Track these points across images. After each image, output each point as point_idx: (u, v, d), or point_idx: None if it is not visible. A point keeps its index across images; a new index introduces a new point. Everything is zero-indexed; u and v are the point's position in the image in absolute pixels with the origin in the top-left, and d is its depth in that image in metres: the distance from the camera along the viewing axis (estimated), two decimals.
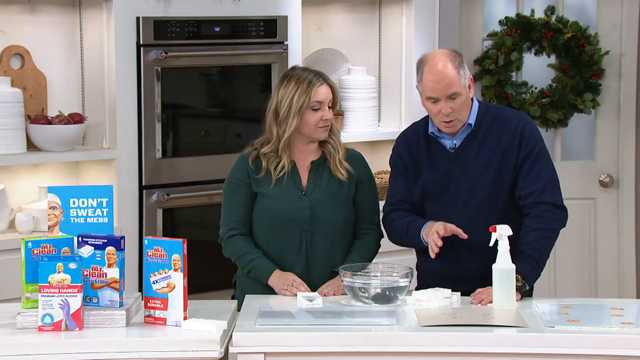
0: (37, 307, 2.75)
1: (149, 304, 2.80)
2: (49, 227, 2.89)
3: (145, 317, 2.82)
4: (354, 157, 3.21)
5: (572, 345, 2.70)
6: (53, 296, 2.72)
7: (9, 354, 2.64)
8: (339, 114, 4.43)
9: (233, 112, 4.18)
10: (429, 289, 3.01)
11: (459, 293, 3.03)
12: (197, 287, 3.56)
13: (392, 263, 3.19)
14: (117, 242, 2.80)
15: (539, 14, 4.86)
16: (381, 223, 3.25)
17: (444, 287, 2.99)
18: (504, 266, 2.93)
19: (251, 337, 2.72)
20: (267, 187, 3.14)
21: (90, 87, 4.01)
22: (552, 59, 4.88)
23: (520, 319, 2.83)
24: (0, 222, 3.79)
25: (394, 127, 4.60)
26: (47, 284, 2.72)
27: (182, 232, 4.04)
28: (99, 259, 2.80)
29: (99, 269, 2.80)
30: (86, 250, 2.80)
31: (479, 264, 3.02)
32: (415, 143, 3.16)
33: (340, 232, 3.18)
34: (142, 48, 3.92)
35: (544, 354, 2.71)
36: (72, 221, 2.88)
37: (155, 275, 2.79)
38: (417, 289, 3.07)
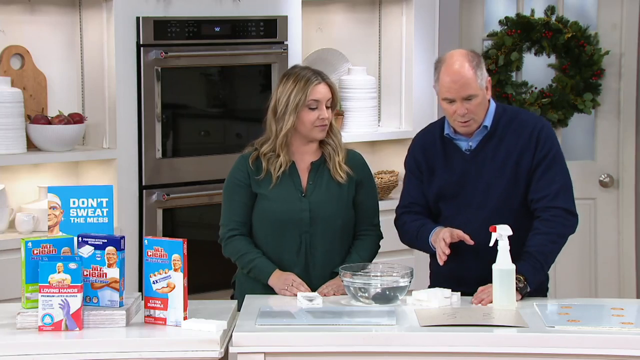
0: (37, 307, 2.75)
1: (149, 304, 2.80)
2: (49, 227, 2.89)
3: (145, 317, 2.82)
4: (354, 159, 3.21)
5: (572, 345, 2.70)
6: (53, 296, 2.72)
7: (9, 354, 2.64)
8: (339, 114, 4.43)
9: (233, 112, 4.18)
10: (429, 289, 3.01)
11: (459, 293, 3.03)
12: (197, 287, 3.56)
13: (392, 263, 3.19)
14: (117, 242, 2.80)
15: (539, 14, 4.86)
16: (381, 225, 3.27)
17: (458, 290, 2.98)
18: (504, 266, 2.93)
19: (251, 337, 2.72)
20: (266, 188, 3.14)
21: (90, 87, 4.01)
22: (552, 59, 4.88)
23: (520, 319, 2.83)
24: (0, 222, 3.78)
25: (394, 127, 4.60)
26: (47, 284, 2.72)
27: (182, 232, 4.04)
28: (99, 259, 2.80)
29: (99, 269, 2.80)
30: (86, 250, 2.80)
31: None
32: (431, 144, 3.15)
33: (340, 233, 3.18)
34: (142, 48, 3.92)
35: (544, 354, 2.71)
36: (72, 221, 2.88)
37: (155, 275, 2.79)
38: None
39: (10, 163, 3.83)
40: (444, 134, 3.12)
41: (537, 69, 4.89)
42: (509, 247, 2.93)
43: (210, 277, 3.80)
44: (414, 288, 3.07)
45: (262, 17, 4.14)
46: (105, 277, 2.80)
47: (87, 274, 2.80)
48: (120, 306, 2.79)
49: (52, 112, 3.95)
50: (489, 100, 3.10)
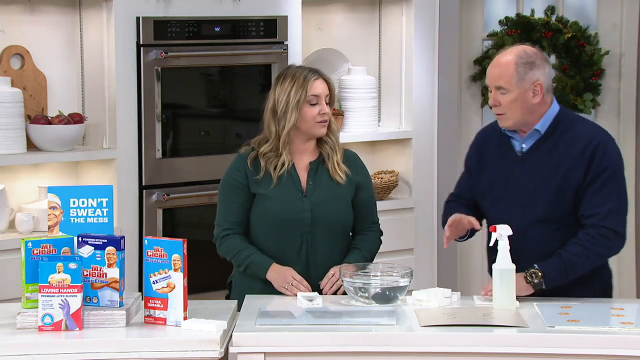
0: (37, 307, 2.75)
1: (149, 304, 2.80)
2: (49, 227, 2.89)
3: (145, 317, 2.82)
4: (352, 159, 3.22)
5: (572, 345, 2.70)
6: (53, 296, 2.72)
7: (9, 354, 2.64)
8: (339, 114, 4.43)
9: (233, 112, 4.17)
10: (429, 289, 3.01)
11: (459, 292, 3.04)
12: (197, 287, 3.56)
13: (392, 263, 3.20)
14: (117, 242, 2.80)
15: (539, 14, 4.86)
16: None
17: None
18: (504, 266, 2.93)
19: (251, 337, 2.72)
20: (267, 188, 3.14)
21: (90, 87, 4.01)
22: (552, 59, 4.88)
23: (520, 319, 2.83)
24: (0, 222, 3.78)
25: (394, 127, 4.60)
26: (47, 284, 2.72)
27: (182, 232, 4.04)
28: (99, 259, 2.80)
29: (99, 269, 2.80)
30: (86, 250, 2.80)
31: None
32: (490, 140, 3.14)
33: (341, 233, 3.18)
34: (142, 48, 3.92)
35: (544, 354, 2.71)
36: (72, 221, 2.88)
37: (155, 275, 2.79)
38: None
39: (10, 163, 3.83)
40: (502, 130, 3.09)
41: None
42: (508, 247, 2.93)
43: (210, 277, 3.80)
44: (414, 288, 3.07)
45: (262, 17, 4.14)
46: (105, 277, 2.80)
47: (87, 274, 2.80)
48: (120, 306, 2.79)
49: (52, 112, 3.95)
50: (544, 104, 3.00)
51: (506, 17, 4.85)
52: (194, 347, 2.68)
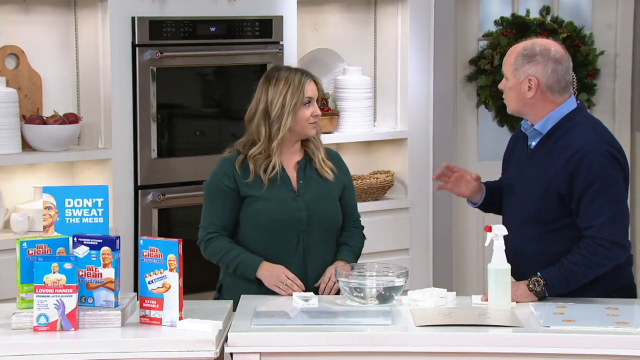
0: (32, 308, 2.74)
1: (144, 304, 2.80)
2: (44, 227, 2.89)
3: (140, 317, 2.81)
4: (335, 158, 3.26)
5: (568, 345, 2.70)
6: (48, 296, 2.72)
7: (4, 355, 2.64)
8: (334, 114, 4.43)
9: (228, 112, 4.17)
10: (424, 289, 3.02)
11: (454, 292, 3.04)
12: (192, 287, 3.56)
13: (388, 263, 3.21)
14: (112, 242, 2.79)
15: (534, 14, 4.86)
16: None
17: None
18: (499, 266, 2.93)
19: (247, 337, 2.72)
20: (259, 190, 3.13)
21: (86, 87, 4.00)
22: None
23: (516, 319, 2.83)
24: None
25: (389, 127, 4.60)
26: (42, 284, 2.72)
27: (177, 232, 4.04)
28: (94, 259, 2.80)
29: (94, 269, 2.80)
30: (81, 251, 2.80)
31: (520, 271, 2.99)
32: (517, 135, 3.17)
33: (334, 230, 3.20)
34: (137, 48, 3.92)
35: (539, 354, 2.71)
36: (67, 221, 2.87)
37: (150, 276, 2.79)
38: None
39: (5, 163, 3.82)
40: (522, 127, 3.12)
41: None
42: (504, 247, 2.94)
43: (206, 277, 3.79)
44: (409, 288, 3.08)
45: (257, 17, 4.14)
46: (101, 277, 2.80)
47: (82, 274, 2.79)
48: (115, 306, 2.79)
49: (47, 112, 3.94)
50: (533, 99, 2.99)
51: (501, 17, 4.85)
52: (190, 347, 2.68)
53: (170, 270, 2.77)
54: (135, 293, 2.95)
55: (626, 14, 4.89)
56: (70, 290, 2.72)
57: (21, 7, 3.92)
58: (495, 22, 4.85)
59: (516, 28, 4.80)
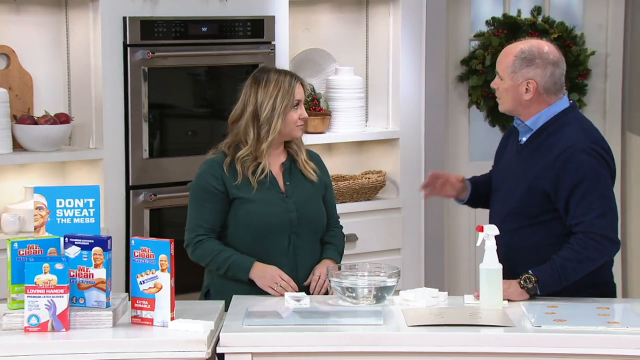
0: (23, 308, 2.73)
1: (136, 305, 2.79)
2: (35, 228, 2.88)
3: (132, 317, 2.81)
4: (317, 159, 3.28)
5: (559, 345, 2.71)
6: (39, 297, 2.71)
7: None
8: (326, 114, 4.43)
9: (220, 112, 4.17)
10: (416, 289, 3.02)
11: (446, 292, 3.04)
12: (184, 287, 3.55)
13: (380, 263, 3.22)
14: (103, 243, 2.79)
15: (526, 15, 4.87)
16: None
17: None
18: (491, 266, 2.94)
19: (238, 337, 2.72)
20: (248, 192, 3.13)
21: (77, 87, 3.99)
22: None
23: (507, 319, 2.83)
24: None
25: (381, 127, 4.61)
26: (34, 285, 2.71)
27: (169, 233, 4.03)
28: (85, 259, 2.79)
29: (85, 270, 2.79)
30: (72, 251, 2.79)
31: (502, 263, 2.99)
32: (511, 132, 3.22)
33: (320, 231, 3.22)
34: (128, 48, 3.91)
35: (530, 354, 2.71)
36: (58, 222, 2.86)
37: (142, 276, 2.78)
38: None
39: None
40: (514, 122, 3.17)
41: None
42: (495, 247, 2.94)
43: (198, 277, 3.79)
44: (401, 288, 3.08)
45: (249, 17, 4.14)
46: (92, 277, 2.79)
47: (73, 275, 2.79)
48: (107, 307, 2.78)
49: (38, 112, 3.93)
50: (529, 100, 3.03)
51: (493, 18, 4.86)
52: (181, 348, 2.68)
53: (162, 270, 2.76)
54: (127, 293, 2.94)
55: (617, 14, 4.90)
56: (62, 291, 2.72)
57: (12, 6, 3.91)
58: (487, 23, 4.86)
59: (507, 28, 4.81)
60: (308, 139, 4.11)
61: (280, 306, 2.97)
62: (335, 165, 4.56)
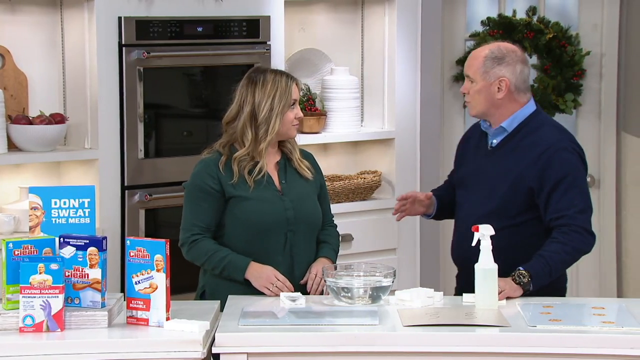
0: (18, 309, 2.73)
1: (131, 305, 2.79)
2: (30, 228, 2.88)
3: (127, 317, 2.81)
4: (311, 159, 3.29)
5: (554, 345, 2.71)
6: (34, 297, 2.71)
7: None
8: (322, 114, 4.43)
9: (216, 113, 4.16)
10: (411, 289, 3.02)
11: (442, 292, 3.05)
12: (179, 287, 3.55)
13: (375, 263, 3.22)
14: (99, 243, 2.78)
15: (521, 15, 4.88)
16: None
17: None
18: (486, 266, 2.94)
19: (234, 338, 2.72)
20: (245, 190, 3.13)
21: (72, 87, 3.99)
22: (534, 60, 4.90)
23: (503, 319, 2.84)
24: None
25: (377, 127, 4.61)
26: (29, 285, 2.71)
27: (164, 233, 4.03)
28: (80, 259, 2.79)
29: (80, 270, 2.79)
30: (68, 251, 2.79)
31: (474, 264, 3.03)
32: (473, 134, 3.31)
33: (316, 229, 3.24)
34: (124, 48, 3.91)
35: (526, 354, 2.72)
36: (53, 222, 2.86)
37: (137, 276, 2.78)
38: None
39: None
40: (481, 125, 3.24)
41: None
42: (491, 247, 2.95)
43: (193, 277, 3.79)
44: (396, 288, 3.08)
45: (244, 17, 4.14)
46: (87, 277, 2.79)
47: (68, 275, 2.79)
48: (102, 307, 2.78)
49: (33, 112, 3.93)
50: (502, 100, 3.12)
51: (488, 18, 4.86)
52: (177, 348, 2.67)
53: (157, 270, 2.76)
54: (122, 294, 2.94)
55: (612, 14, 4.91)
56: (57, 291, 2.71)
57: (7, 6, 3.90)
58: (482, 23, 4.87)
59: (503, 28, 4.82)
60: (303, 139, 4.13)
61: (276, 306, 2.97)
62: (330, 166, 4.56)
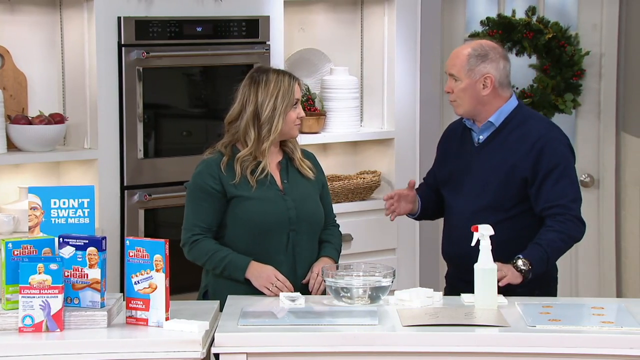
0: (18, 309, 2.73)
1: (130, 305, 2.79)
2: (30, 228, 2.88)
3: (127, 317, 2.81)
4: (312, 158, 3.30)
5: (553, 345, 2.71)
6: (34, 297, 2.71)
7: None
8: (321, 114, 4.43)
9: (215, 113, 4.17)
10: (411, 289, 3.02)
11: (441, 292, 3.05)
12: (179, 287, 3.55)
13: (375, 263, 3.22)
14: (98, 243, 2.78)
15: (520, 15, 4.88)
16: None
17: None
18: (485, 266, 2.95)
19: (233, 338, 2.72)
20: (247, 190, 3.14)
21: (71, 87, 3.99)
22: (533, 60, 4.91)
23: (502, 319, 2.84)
24: None
25: (376, 127, 4.61)
26: (28, 285, 2.71)
27: (164, 233, 4.03)
28: (80, 259, 2.79)
29: (80, 270, 2.79)
30: (67, 251, 2.79)
31: (470, 261, 3.02)
32: (454, 132, 3.33)
33: (318, 229, 3.24)
34: (123, 48, 3.91)
35: (525, 354, 2.72)
36: (53, 222, 2.86)
37: (137, 276, 2.78)
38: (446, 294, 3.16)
39: None
40: (464, 123, 3.27)
41: (518, 70, 4.91)
42: (490, 247, 2.95)
43: (193, 277, 3.79)
44: (396, 288, 3.08)
45: (244, 17, 4.14)
46: (87, 277, 2.79)
47: (68, 275, 2.79)
48: (101, 307, 2.78)
49: (32, 112, 3.93)
50: (487, 96, 3.16)
51: (487, 18, 4.86)
52: (176, 348, 2.68)
53: (157, 270, 2.76)
54: (122, 294, 2.94)
55: (611, 14, 4.91)
56: (56, 291, 2.71)
57: (6, 6, 3.90)
58: (482, 23, 4.87)
59: (502, 28, 4.82)
60: (303, 139, 4.12)
61: (276, 306, 2.97)
62: (330, 166, 4.56)
